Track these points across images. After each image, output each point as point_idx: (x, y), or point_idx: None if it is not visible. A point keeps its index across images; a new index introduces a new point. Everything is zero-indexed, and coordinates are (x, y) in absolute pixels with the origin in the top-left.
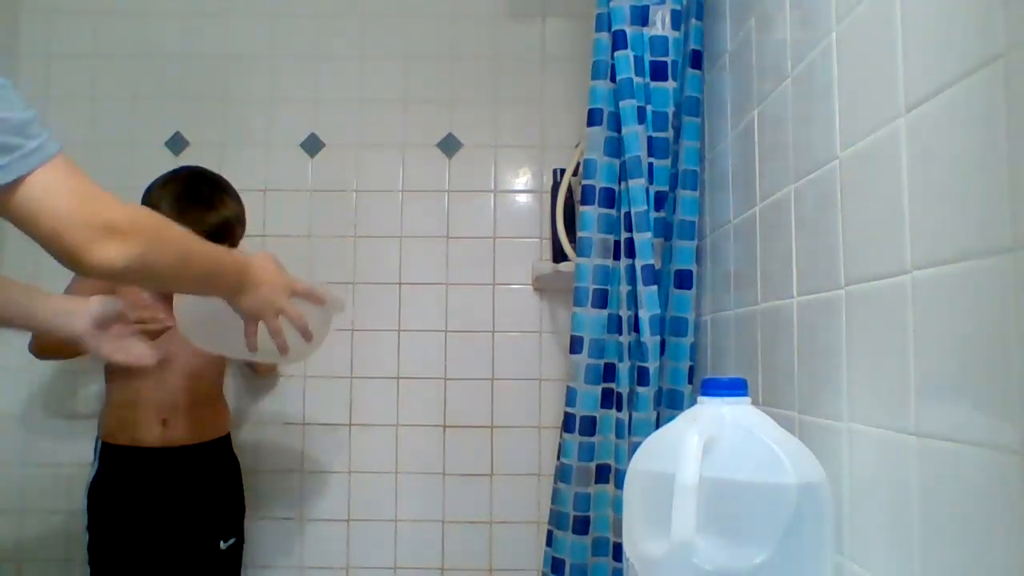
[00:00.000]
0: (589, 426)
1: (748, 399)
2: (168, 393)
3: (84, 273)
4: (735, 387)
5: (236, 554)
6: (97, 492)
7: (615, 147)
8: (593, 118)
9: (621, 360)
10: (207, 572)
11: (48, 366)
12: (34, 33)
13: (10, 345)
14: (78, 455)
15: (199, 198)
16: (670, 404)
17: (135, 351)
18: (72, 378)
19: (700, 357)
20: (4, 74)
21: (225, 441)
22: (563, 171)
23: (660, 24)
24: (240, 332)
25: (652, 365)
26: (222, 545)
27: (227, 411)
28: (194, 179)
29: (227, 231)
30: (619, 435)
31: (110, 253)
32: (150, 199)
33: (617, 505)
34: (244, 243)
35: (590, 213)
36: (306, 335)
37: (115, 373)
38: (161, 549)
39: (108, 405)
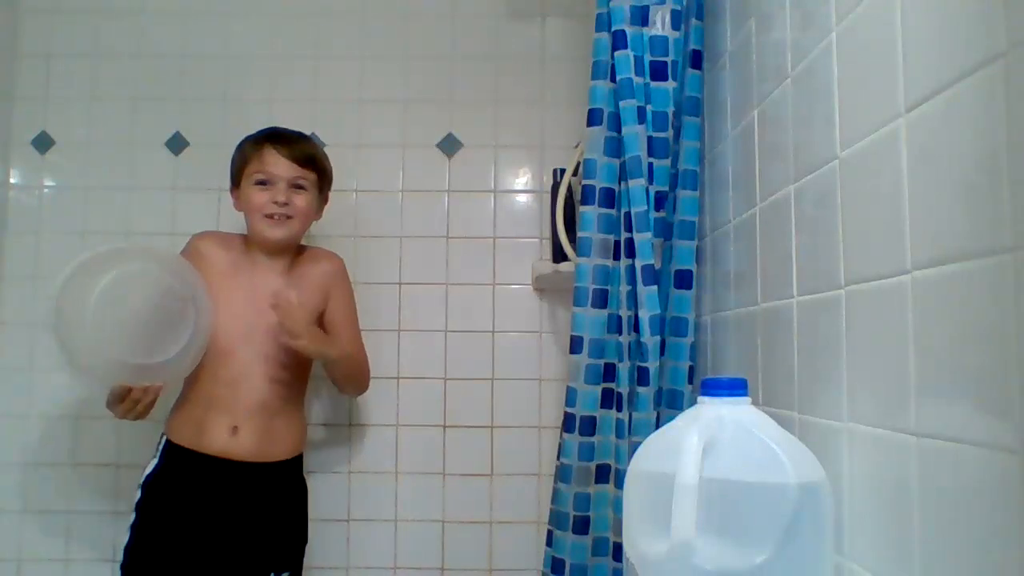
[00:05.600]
0: (589, 426)
1: (748, 399)
2: (244, 396)
3: None
4: (735, 387)
5: None
6: (153, 489)
7: (615, 147)
8: (593, 118)
9: (621, 360)
10: None
11: None
12: (34, 33)
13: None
14: (81, 455)
15: (281, 133)
16: (670, 404)
17: None
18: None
19: (700, 357)
20: (4, 74)
21: (296, 462)
22: (563, 171)
23: (660, 24)
24: None
25: (652, 365)
26: None
27: (304, 427)
28: (279, 128)
29: (313, 166)
30: (619, 435)
31: None
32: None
33: (617, 505)
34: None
35: (590, 213)
36: None
37: (196, 368)
38: (205, 569)
39: (180, 400)
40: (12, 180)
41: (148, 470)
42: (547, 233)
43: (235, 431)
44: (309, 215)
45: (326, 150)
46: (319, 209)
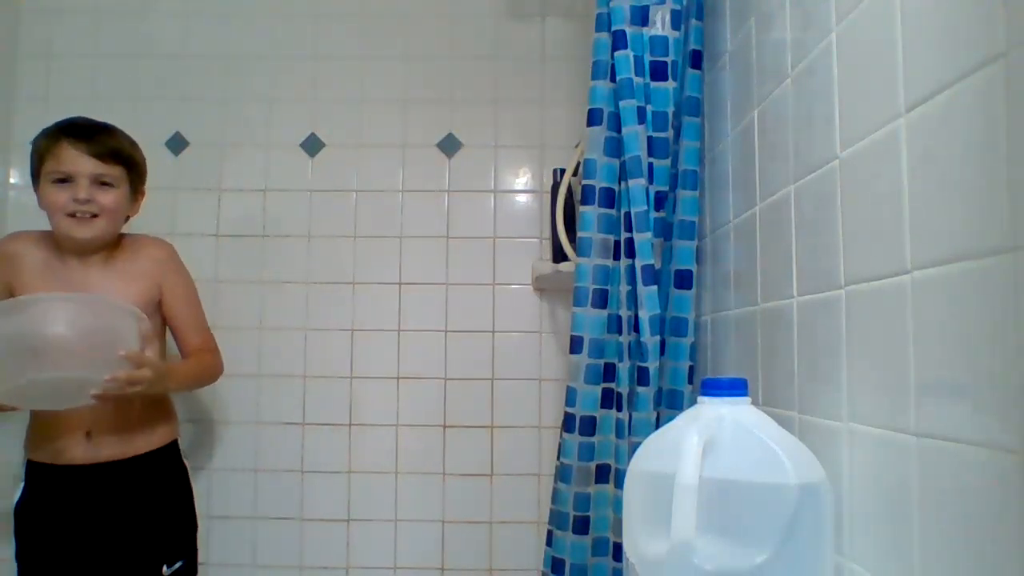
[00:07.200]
0: (589, 426)
1: (748, 399)
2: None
3: None
4: (735, 387)
5: None
6: (25, 514)
7: (615, 147)
8: (593, 118)
9: (621, 360)
10: None
11: None
12: (34, 33)
13: None
14: None
15: (79, 124)
16: (670, 404)
17: None
18: None
19: (700, 357)
20: (4, 74)
21: (168, 451)
22: (563, 171)
23: (660, 24)
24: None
25: (652, 365)
26: (165, 570)
27: (170, 416)
28: (78, 119)
29: (119, 160)
30: (619, 435)
31: None
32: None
33: (617, 505)
34: (245, 243)
35: (590, 213)
36: None
37: None
38: None
39: (31, 418)
40: (12, 180)
41: (16, 497)
42: (547, 233)
43: (89, 436)
44: (118, 212)
45: (326, 150)
46: (133, 204)
